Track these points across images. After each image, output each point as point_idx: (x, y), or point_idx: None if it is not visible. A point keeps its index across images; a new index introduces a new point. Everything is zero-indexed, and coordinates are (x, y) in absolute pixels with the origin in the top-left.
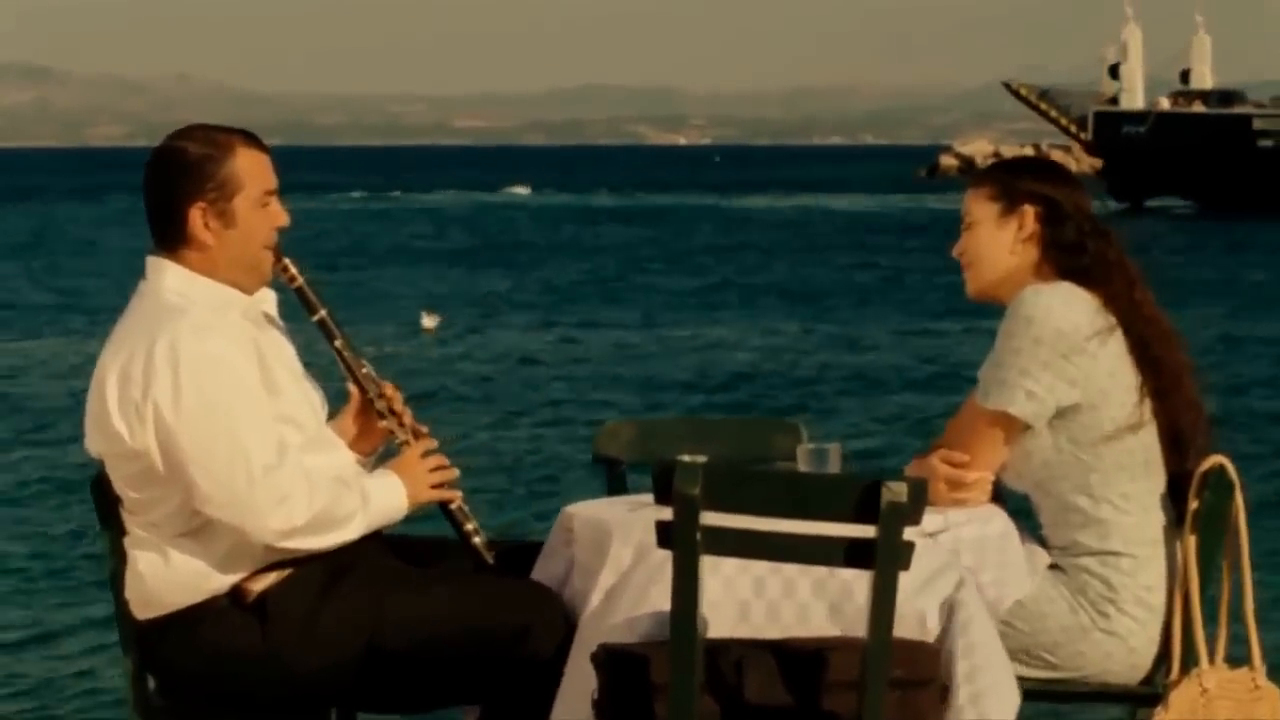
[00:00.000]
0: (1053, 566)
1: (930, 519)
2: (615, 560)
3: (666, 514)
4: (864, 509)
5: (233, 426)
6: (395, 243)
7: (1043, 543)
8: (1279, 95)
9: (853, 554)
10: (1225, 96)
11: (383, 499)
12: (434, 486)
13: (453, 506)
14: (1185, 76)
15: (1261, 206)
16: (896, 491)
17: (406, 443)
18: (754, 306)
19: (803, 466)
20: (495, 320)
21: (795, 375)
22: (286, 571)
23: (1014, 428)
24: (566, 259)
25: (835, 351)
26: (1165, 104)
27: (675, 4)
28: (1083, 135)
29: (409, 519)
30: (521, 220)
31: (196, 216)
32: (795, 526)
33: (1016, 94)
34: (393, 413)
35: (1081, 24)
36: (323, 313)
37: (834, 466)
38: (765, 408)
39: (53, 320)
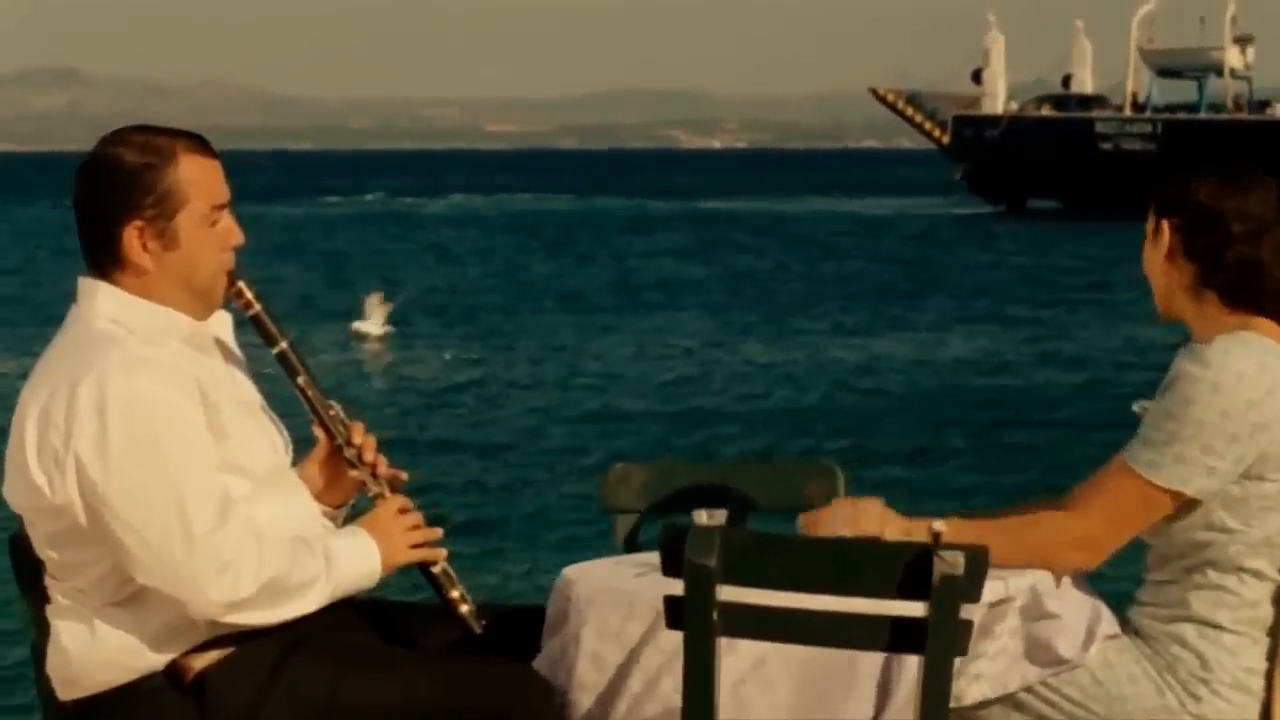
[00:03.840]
0: (1135, 633)
1: (991, 587)
2: (620, 638)
3: (678, 585)
4: (913, 583)
5: (168, 480)
6: (400, 251)
7: (1128, 597)
8: (1137, 98)
9: (899, 636)
10: (1084, 101)
11: (351, 563)
12: (414, 546)
13: (435, 570)
14: (1067, 81)
15: (1110, 208)
16: (951, 562)
17: (380, 495)
18: (789, 325)
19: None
20: (492, 341)
21: (834, 407)
22: (231, 648)
23: (1181, 502)
24: (582, 268)
25: (882, 380)
26: (1014, 107)
27: (707, 7)
28: (944, 140)
29: (386, 582)
30: (538, 228)
31: (132, 236)
32: (830, 603)
33: (883, 100)
34: (364, 461)
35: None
36: (284, 345)
37: None
38: (799, 448)
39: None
